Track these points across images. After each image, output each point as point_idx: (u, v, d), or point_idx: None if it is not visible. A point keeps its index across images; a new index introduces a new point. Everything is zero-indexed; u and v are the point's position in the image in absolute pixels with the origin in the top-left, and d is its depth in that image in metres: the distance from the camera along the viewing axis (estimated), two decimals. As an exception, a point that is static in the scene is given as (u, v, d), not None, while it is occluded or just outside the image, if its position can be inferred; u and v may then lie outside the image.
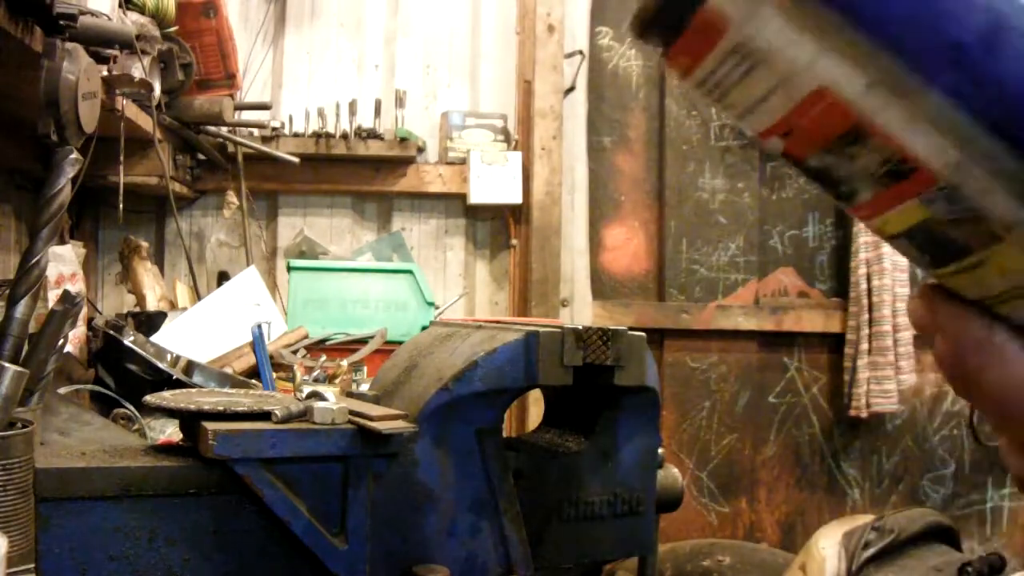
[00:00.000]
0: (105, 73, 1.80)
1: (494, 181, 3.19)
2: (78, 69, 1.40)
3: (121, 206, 2.22)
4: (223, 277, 3.11)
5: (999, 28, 0.28)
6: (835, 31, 0.30)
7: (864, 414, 3.36)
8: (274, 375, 2.09)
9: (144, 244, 2.74)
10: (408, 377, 0.87)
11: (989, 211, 0.31)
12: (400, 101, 3.22)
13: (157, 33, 2.22)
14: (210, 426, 0.71)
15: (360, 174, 3.28)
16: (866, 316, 3.34)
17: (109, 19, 1.72)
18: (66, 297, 1.31)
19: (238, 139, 3.01)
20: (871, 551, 2.23)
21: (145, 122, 2.26)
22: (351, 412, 0.77)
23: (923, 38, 0.29)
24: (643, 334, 0.89)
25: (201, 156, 3.09)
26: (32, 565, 0.69)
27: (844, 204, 0.35)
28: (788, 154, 0.34)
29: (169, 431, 1.69)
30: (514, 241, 3.34)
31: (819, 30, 0.30)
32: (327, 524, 0.75)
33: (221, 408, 0.75)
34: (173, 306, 2.74)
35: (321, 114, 3.14)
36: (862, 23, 0.30)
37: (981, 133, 0.29)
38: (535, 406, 3.08)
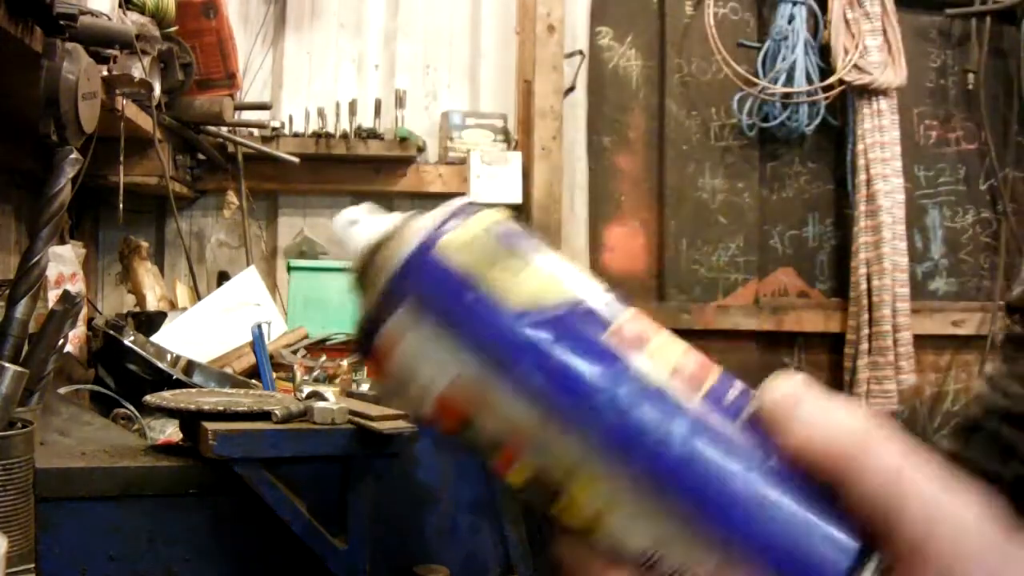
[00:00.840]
0: (105, 73, 1.80)
1: (494, 181, 3.19)
2: (78, 69, 1.40)
3: (121, 206, 2.21)
4: (223, 277, 3.11)
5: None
6: (461, 336, 0.41)
7: (864, 414, 3.35)
8: (274, 375, 2.09)
9: (144, 244, 2.74)
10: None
11: (553, 464, 0.40)
12: (400, 101, 3.22)
13: (157, 33, 2.22)
14: (210, 426, 0.71)
15: (360, 174, 3.28)
16: (866, 316, 3.34)
17: (109, 19, 1.72)
18: (66, 297, 1.31)
19: (238, 139, 3.01)
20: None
21: (145, 122, 2.26)
22: (351, 412, 0.77)
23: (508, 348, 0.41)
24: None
25: (201, 156, 3.09)
26: (32, 565, 0.69)
27: (487, 460, 0.42)
28: (445, 432, 0.42)
29: (169, 431, 1.69)
30: (514, 241, 3.34)
31: (452, 337, 0.41)
32: (327, 524, 0.75)
33: (221, 408, 0.75)
34: (173, 306, 2.74)
35: (321, 114, 3.14)
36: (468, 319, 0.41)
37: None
38: (535, 406, 3.08)
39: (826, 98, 3.38)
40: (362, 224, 0.48)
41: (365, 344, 0.43)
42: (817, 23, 3.41)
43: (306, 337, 2.43)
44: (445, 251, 0.41)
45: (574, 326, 0.40)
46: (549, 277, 0.42)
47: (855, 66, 3.33)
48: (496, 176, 3.20)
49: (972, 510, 0.36)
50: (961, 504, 0.36)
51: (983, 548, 0.36)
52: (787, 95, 3.37)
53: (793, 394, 0.39)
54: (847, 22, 3.38)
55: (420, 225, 0.43)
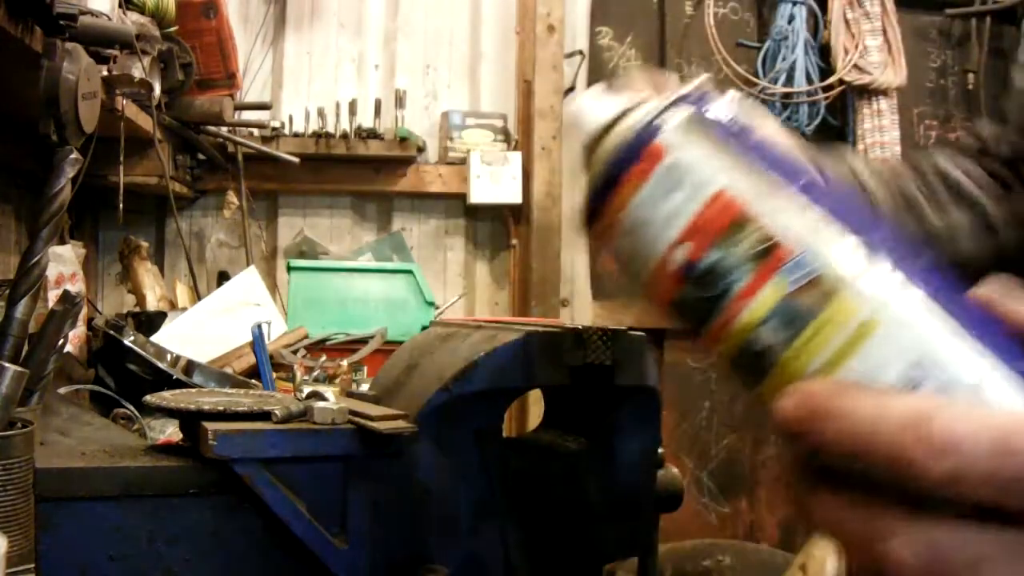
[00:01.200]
0: (105, 73, 1.80)
1: (494, 181, 3.19)
2: (78, 69, 1.40)
3: (121, 206, 2.22)
4: (223, 277, 3.11)
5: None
6: (728, 151, 0.44)
7: (864, 414, 3.35)
8: (274, 375, 2.09)
9: (144, 244, 2.74)
10: (408, 377, 0.87)
11: (827, 269, 0.40)
12: (400, 101, 3.22)
13: (157, 33, 2.22)
14: (210, 426, 0.71)
15: (360, 174, 3.28)
16: (866, 316, 3.34)
17: (109, 19, 1.72)
18: (66, 297, 1.31)
19: (238, 139, 3.01)
20: (871, 551, 2.22)
21: (145, 122, 2.26)
22: (351, 412, 0.77)
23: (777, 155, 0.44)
24: (643, 334, 0.89)
25: (201, 156, 3.09)
26: (32, 565, 0.69)
27: (719, 305, 0.43)
28: (688, 260, 0.44)
29: (169, 431, 1.69)
30: (514, 241, 3.34)
31: (718, 150, 0.44)
32: (327, 524, 0.75)
33: (221, 408, 0.75)
34: (173, 306, 2.74)
35: (321, 114, 3.14)
36: (744, 146, 0.44)
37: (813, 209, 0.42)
38: (535, 406, 3.08)
39: (826, 98, 3.38)
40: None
41: (634, 147, 0.45)
42: (817, 23, 3.41)
43: (306, 337, 2.43)
44: (724, 96, 0.47)
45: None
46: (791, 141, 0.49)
47: (855, 66, 3.34)
48: (496, 176, 3.20)
49: None
50: None
51: None
52: (787, 95, 3.37)
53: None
54: (847, 22, 3.38)
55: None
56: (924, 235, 0.92)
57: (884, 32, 3.37)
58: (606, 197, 0.46)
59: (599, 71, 3.44)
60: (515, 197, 3.20)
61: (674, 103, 0.46)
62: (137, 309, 2.67)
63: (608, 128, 0.49)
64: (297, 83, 3.36)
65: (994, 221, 0.94)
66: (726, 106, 0.46)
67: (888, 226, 0.42)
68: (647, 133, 0.45)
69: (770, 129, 0.46)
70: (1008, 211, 0.95)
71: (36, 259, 1.28)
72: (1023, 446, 0.34)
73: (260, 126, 3.08)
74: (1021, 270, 0.91)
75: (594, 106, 0.50)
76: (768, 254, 0.41)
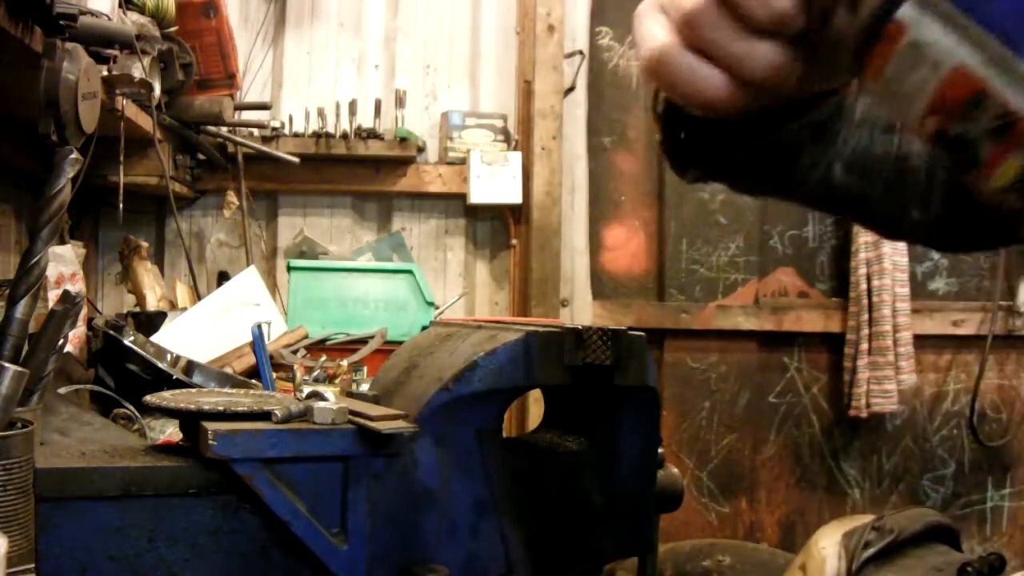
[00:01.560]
0: (105, 73, 1.80)
1: (494, 181, 3.19)
2: (78, 69, 1.40)
3: (121, 206, 2.22)
4: (223, 277, 3.11)
5: None
6: (965, 26, 0.47)
7: (864, 414, 3.36)
8: (274, 375, 2.09)
9: (144, 244, 2.74)
10: (408, 377, 0.87)
11: None
12: (400, 101, 3.22)
13: (157, 33, 2.22)
14: (210, 426, 0.71)
15: (360, 174, 3.28)
16: (866, 316, 3.34)
17: (109, 19, 1.72)
18: (66, 297, 1.31)
19: (238, 139, 3.01)
20: (871, 551, 2.23)
21: (145, 122, 2.26)
22: (351, 412, 0.77)
23: (1015, 29, 0.46)
24: (643, 334, 0.89)
25: (201, 156, 3.09)
26: (32, 565, 0.69)
27: (970, 172, 0.48)
28: (938, 129, 0.48)
29: (169, 431, 1.69)
30: (514, 241, 3.34)
31: (955, 26, 0.47)
32: (327, 524, 0.75)
33: (221, 408, 0.75)
34: (173, 306, 2.74)
35: (321, 114, 3.14)
36: (979, 20, 0.46)
37: None
38: (535, 406, 3.08)
39: (826, 98, 3.38)
40: None
41: (878, 23, 0.48)
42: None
43: (306, 337, 2.44)
44: None
45: None
46: None
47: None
48: (496, 176, 3.20)
49: None
50: None
51: None
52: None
53: None
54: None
55: None
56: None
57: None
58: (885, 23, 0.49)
59: (599, 71, 3.44)
60: (515, 197, 3.20)
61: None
62: (137, 309, 2.67)
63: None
64: (297, 83, 3.36)
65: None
66: None
67: None
68: (886, 9, 0.48)
69: None
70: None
71: (36, 259, 1.28)
72: None
73: (260, 126, 3.08)
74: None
75: None
76: (1008, 130, 0.46)
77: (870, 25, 0.49)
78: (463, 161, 3.25)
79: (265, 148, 3.02)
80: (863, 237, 3.35)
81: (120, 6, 1.94)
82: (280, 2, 3.35)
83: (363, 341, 2.47)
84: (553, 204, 3.22)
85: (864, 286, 3.34)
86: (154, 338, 2.20)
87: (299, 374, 2.02)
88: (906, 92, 0.48)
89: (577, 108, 3.36)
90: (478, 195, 3.19)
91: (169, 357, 2.03)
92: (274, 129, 3.13)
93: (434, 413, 0.79)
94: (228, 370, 2.13)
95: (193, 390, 0.91)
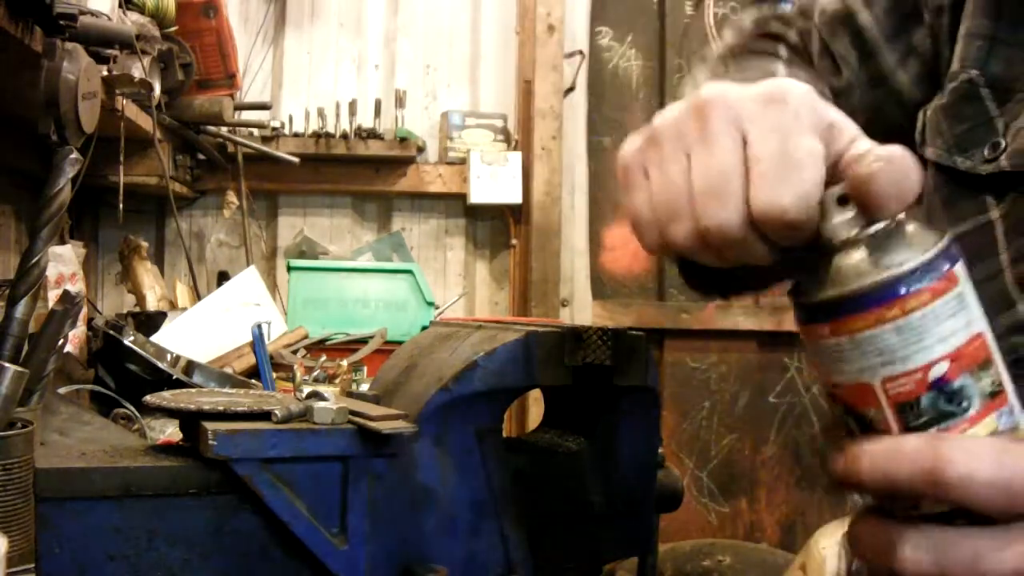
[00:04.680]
0: (105, 73, 1.80)
1: (494, 181, 3.19)
2: (78, 69, 1.40)
3: (121, 206, 2.22)
4: (223, 277, 3.11)
5: None
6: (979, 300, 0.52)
7: (864, 414, 3.35)
8: (274, 375, 2.09)
9: (144, 244, 2.74)
10: (408, 377, 0.87)
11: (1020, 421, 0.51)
12: (400, 101, 3.22)
13: (157, 33, 2.22)
14: (210, 426, 0.71)
15: (360, 174, 3.28)
16: (866, 316, 3.34)
17: (109, 19, 1.72)
18: (66, 297, 1.31)
19: (238, 139, 3.01)
20: (871, 551, 2.22)
21: (145, 122, 2.26)
22: (351, 412, 0.77)
23: None
24: (643, 334, 0.89)
25: (201, 156, 3.09)
26: (32, 565, 0.69)
27: (949, 420, 0.51)
28: (944, 377, 0.50)
29: (169, 431, 1.69)
30: (514, 241, 3.34)
31: (975, 293, 0.52)
32: (327, 524, 0.75)
33: (221, 408, 0.75)
34: (173, 306, 2.74)
35: (321, 114, 3.14)
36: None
37: None
38: (535, 406, 3.08)
39: (826, 98, 3.38)
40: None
41: (936, 265, 0.50)
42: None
43: (306, 337, 2.44)
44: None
45: None
46: None
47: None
48: (496, 176, 3.20)
49: None
50: None
51: None
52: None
53: None
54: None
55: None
56: None
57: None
58: (869, 305, 0.51)
59: (599, 71, 3.44)
60: (515, 197, 3.20)
61: (953, 240, 0.52)
62: (137, 309, 2.67)
63: (879, 234, 0.53)
64: (297, 83, 3.36)
65: None
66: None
67: None
68: (946, 257, 0.51)
69: None
70: None
71: (36, 259, 1.28)
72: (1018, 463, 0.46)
73: (260, 126, 3.08)
74: None
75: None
76: (995, 395, 0.50)
77: (932, 260, 0.51)
78: (463, 161, 3.25)
79: (265, 148, 3.02)
80: (863, 237, 3.35)
81: (120, 6, 1.94)
82: (280, 2, 3.35)
83: (363, 341, 2.47)
84: (553, 204, 3.22)
85: (864, 286, 3.34)
86: (154, 338, 2.20)
87: (299, 374, 2.02)
88: (937, 333, 0.50)
89: (577, 108, 3.36)
90: (478, 195, 3.19)
91: (169, 357, 2.03)
92: (274, 129, 3.13)
93: (434, 413, 0.79)
94: (228, 370, 2.13)
95: (193, 390, 0.91)
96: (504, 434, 0.87)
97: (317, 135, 3.14)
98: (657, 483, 0.94)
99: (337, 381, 2.01)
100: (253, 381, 2.06)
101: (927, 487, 0.48)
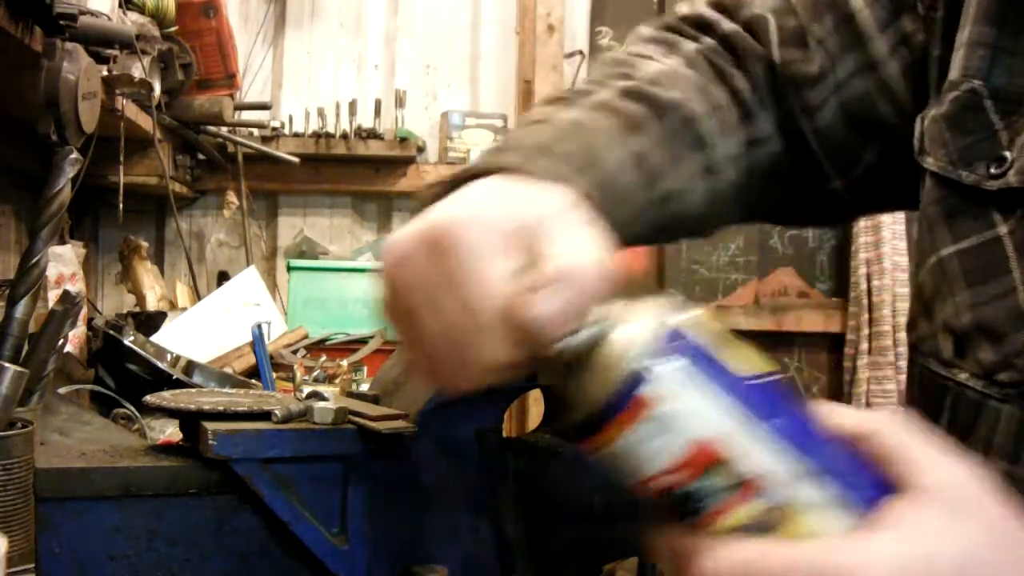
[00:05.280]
0: (105, 73, 1.80)
1: (494, 181, 3.19)
2: (78, 69, 1.40)
3: (121, 206, 2.22)
4: (223, 277, 3.11)
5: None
6: (704, 395, 0.49)
7: (864, 414, 3.35)
8: (274, 375, 2.09)
9: (144, 244, 2.74)
10: (408, 377, 0.87)
11: (783, 497, 0.49)
12: (400, 101, 3.22)
13: (157, 33, 2.22)
14: (210, 426, 0.71)
15: (360, 174, 3.28)
16: (866, 316, 3.34)
17: (109, 19, 1.72)
18: (66, 297, 1.31)
19: (238, 139, 3.01)
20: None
21: (145, 122, 2.26)
22: (351, 412, 0.77)
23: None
24: (643, 334, 0.88)
25: (201, 156, 3.09)
26: (32, 565, 0.69)
27: (694, 518, 0.50)
28: (668, 487, 0.50)
29: (169, 431, 1.69)
30: (514, 241, 3.34)
31: (696, 397, 0.49)
32: (327, 524, 0.75)
33: (221, 408, 0.75)
34: (173, 306, 2.74)
35: (321, 114, 3.14)
36: (715, 383, 0.49)
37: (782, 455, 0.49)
38: (535, 406, 3.08)
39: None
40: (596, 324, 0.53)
41: (621, 395, 0.49)
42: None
43: (306, 337, 2.44)
44: (694, 329, 0.51)
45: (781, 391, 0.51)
46: (749, 350, 0.52)
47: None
48: (496, 176, 3.19)
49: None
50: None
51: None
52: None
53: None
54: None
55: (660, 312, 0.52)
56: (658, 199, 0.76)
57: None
58: (591, 432, 0.51)
59: (599, 71, 3.44)
60: (515, 197, 3.19)
61: (656, 343, 0.49)
62: (137, 309, 2.67)
63: (580, 357, 0.52)
64: (297, 83, 3.36)
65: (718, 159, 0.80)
66: (697, 332, 0.51)
67: (833, 447, 0.51)
68: (632, 382, 0.49)
69: (734, 351, 0.51)
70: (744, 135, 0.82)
71: (36, 259, 1.28)
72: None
73: (260, 126, 3.08)
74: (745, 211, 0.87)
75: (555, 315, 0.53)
76: (737, 488, 0.49)
77: (616, 392, 0.49)
78: (463, 161, 3.25)
79: (265, 148, 3.02)
80: (863, 237, 3.35)
81: (120, 6, 1.94)
82: (280, 2, 3.35)
83: (363, 341, 2.47)
84: (553, 204, 3.21)
85: (864, 286, 3.34)
86: (154, 338, 2.20)
87: (299, 374, 2.02)
88: (644, 454, 0.49)
89: (577, 108, 3.36)
90: (478, 195, 3.19)
91: (169, 357, 2.03)
92: (274, 129, 3.13)
93: (434, 413, 0.79)
94: (228, 370, 2.13)
95: (193, 390, 0.91)
96: (504, 434, 0.87)
97: (317, 135, 3.14)
98: (657, 483, 0.94)
99: (337, 381, 2.01)
100: (253, 381, 2.06)
101: None
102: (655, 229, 0.76)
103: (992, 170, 0.68)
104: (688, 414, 0.49)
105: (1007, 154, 0.67)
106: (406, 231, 0.57)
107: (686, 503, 0.50)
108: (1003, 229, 0.67)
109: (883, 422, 0.52)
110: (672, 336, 0.50)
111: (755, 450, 0.49)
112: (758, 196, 0.84)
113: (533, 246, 0.54)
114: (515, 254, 0.54)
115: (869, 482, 0.50)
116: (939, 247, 0.72)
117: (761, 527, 0.49)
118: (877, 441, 0.51)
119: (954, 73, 0.72)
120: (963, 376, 0.69)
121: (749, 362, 0.51)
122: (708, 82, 0.80)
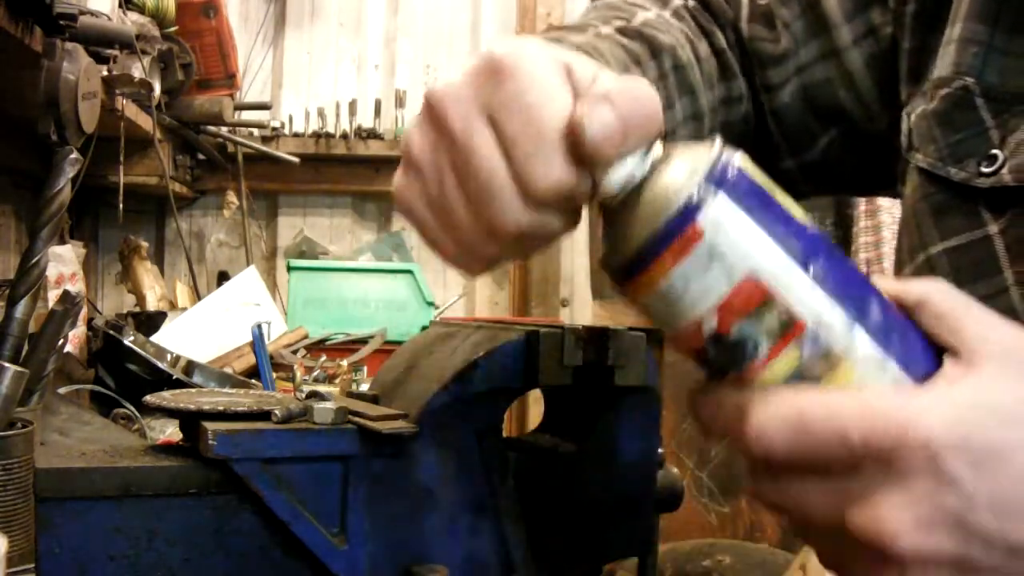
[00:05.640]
0: (105, 73, 1.80)
1: (494, 181, 3.19)
2: (78, 69, 1.40)
3: (121, 206, 2.22)
4: (223, 277, 3.11)
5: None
6: (754, 231, 0.48)
7: (864, 414, 3.35)
8: (274, 375, 2.09)
9: (144, 244, 2.74)
10: (408, 377, 0.87)
11: (834, 344, 0.48)
12: (400, 101, 3.22)
13: (157, 33, 2.22)
14: (210, 426, 0.71)
15: (360, 174, 3.28)
16: (866, 316, 3.34)
17: (109, 19, 1.73)
18: (66, 297, 1.31)
19: (238, 139, 3.01)
20: (871, 551, 2.22)
21: (145, 122, 2.26)
22: (351, 412, 0.77)
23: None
24: (643, 334, 0.89)
25: (201, 156, 3.09)
26: (32, 565, 0.69)
27: (739, 367, 0.50)
28: (716, 330, 0.49)
29: (169, 431, 1.69)
30: (514, 241, 3.34)
31: (746, 232, 0.48)
32: (327, 524, 0.75)
33: (221, 408, 0.75)
34: (173, 306, 2.74)
35: (321, 114, 3.14)
36: (765, 220, 0.48)
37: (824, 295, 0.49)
38: (535, 406, 3.08)
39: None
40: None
41: (673, 226, 0.48)
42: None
43: (306, 337, 2.44)
44: (751, 168, 0.50)
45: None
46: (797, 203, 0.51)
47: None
48: (496, 176, 3.19)
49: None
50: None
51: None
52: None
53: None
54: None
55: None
56: None
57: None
58: (642, 267, 0.49)
59: (599, 71, 3.44)
60: (515, 197, 3.19)
61: (708, 177, 0.48)
62: (137, 309, 2.67)
63: (634, 190, 0.50)
64: (297, 83, 3.36)
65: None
66: (754, 171, 0.50)
67: (886, 304, 0.50)
68: (690, 208, 0.48)
69: (786, 197, 0.51)
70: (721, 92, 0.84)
71: (36, 259, 1.28)
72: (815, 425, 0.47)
73: (260, 126, 3.08)
74: None
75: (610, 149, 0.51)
76: (789, 330, 0.48)
77: (668, 223, 0.48)
78: (463, 161, 3.25)
79: (265, 148, 3.02)
80: (863, 237, 3.35)
81: (120, 6, 1.94)
82: (280, 2, 3.35)
83: (363, 341, 2.47)
84: (553, 204, 3.21)
85: (864, 286, 3.34)
86: (154, 338, 2.20)
87: (299, 374, 2.02)
88: (694, 291, 0.48)
89: (577, 108, 3.36)
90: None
91: (169, 357, 2.03)
92: (274, 129, 3.13)
93: (434, 413, 0.79)
94: (228, 370, 2.13)
95: (193, 390, 0.91)
96: (504, 434, 0.87)
97: (317, 135, 3.14)
98: (657, 483, 0.94)
99: (337, 381, 2.01)
100: (253, 381, 2.06)
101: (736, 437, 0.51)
102: None
103: (983, 168, 0.68)
104: (743, 246, 0.47)
105: (998, 152, 0.67)
106: (451, 77, 0.56)
107: (732, 350, 0.49)
108: (993, 228, 0.67)
109: (933, 290, 0.51)
110: (731, 169, 0.49)
111: (809, 293, 0.47)
112: None
113: (587, 76, 0.53)
114: (571, 80, 0.53)
115: (921, 342, 0.50)
116: (928, 244, 0.72)
117: (810, 375, 0.48)
118: (929, 306, 0.51)
119: (944, 69, 0.73)
120: None
121: (800, 211, 0.50)
122: (693, 35, 0.83)
